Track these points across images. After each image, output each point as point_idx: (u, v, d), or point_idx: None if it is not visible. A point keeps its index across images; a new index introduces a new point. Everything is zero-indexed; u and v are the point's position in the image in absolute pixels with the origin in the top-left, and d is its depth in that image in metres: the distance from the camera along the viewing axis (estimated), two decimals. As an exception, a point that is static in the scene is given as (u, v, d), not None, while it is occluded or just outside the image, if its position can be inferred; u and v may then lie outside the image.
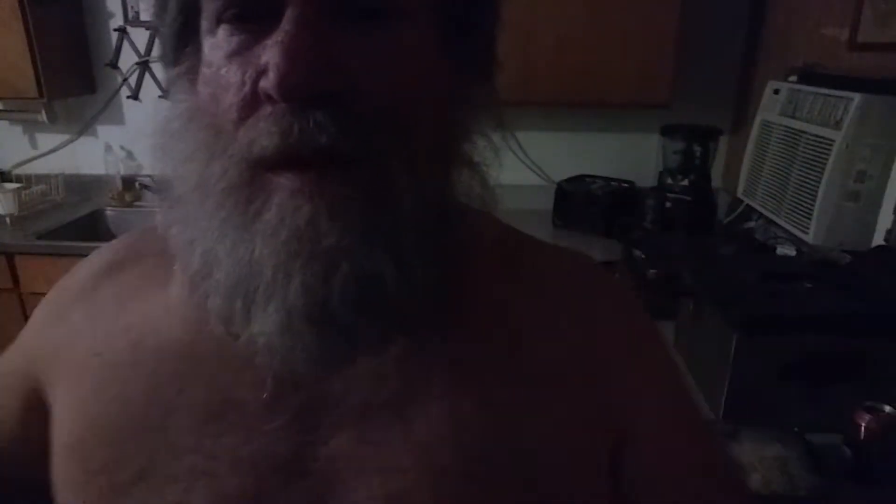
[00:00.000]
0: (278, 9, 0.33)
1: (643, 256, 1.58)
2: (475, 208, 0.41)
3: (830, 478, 0.91)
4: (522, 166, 2.54)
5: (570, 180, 2.39)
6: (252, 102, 0.34)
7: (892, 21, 1.43)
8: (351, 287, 0.34)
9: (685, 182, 2.08)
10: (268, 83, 0.32)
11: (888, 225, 1.39)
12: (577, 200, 2.29)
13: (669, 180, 2.11)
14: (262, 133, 0.33)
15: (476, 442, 0.39)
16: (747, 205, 1.93)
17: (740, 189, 1.91)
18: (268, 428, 0.38)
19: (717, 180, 2.37)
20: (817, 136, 1.48)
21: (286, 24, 0.32)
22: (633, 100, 2.10)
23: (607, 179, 2.41)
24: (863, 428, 0.93)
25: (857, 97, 1.38)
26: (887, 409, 0.94)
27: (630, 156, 2.49)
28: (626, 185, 2.38)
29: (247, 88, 0.34)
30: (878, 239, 1.42)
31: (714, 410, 1.11)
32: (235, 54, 0.34)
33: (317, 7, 0.32)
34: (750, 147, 1.84)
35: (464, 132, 0.39)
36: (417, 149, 0.35)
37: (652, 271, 1.50)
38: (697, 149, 2.10)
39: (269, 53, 0.32)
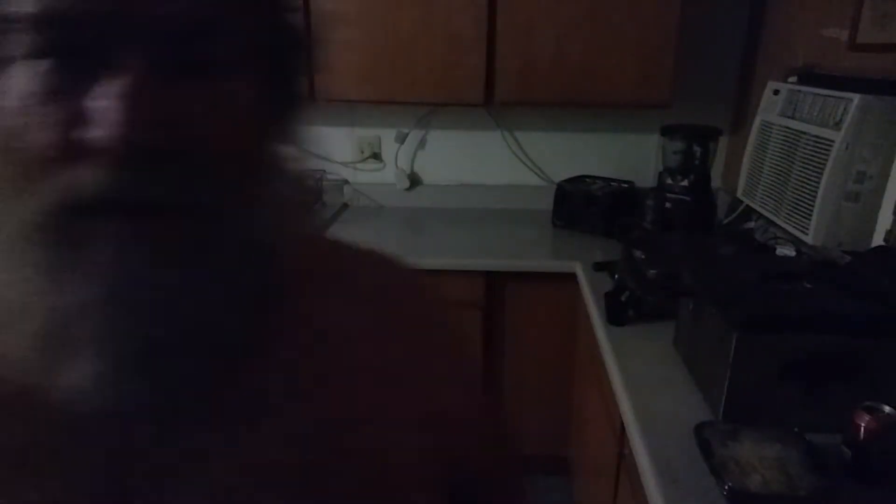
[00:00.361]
0: (109, 55, 0.33)
1: (643, 256, 1.58)
2: (293, 227, 0.44)
3: (830, 478, 0.91)
4: (522, 166, 2.54)
5: (569, 180, 2.39)
6: (73, 145, 0.33)
7: (892, 21, 1.44)
8: (177, 332, 0.35)
9: (685, 182, 2.08)
10: (101, 133, 0.32)
11: (888, 225, 1.39)
12: (576, 201, 2.29)
13: (669, 180, 2.11)
14: (86, 179, 0.33)
15: (306, 445, 0.41)
16: (747, 205, 1.94)
17: (740, 189, 1.91)
18: (78, 466, 0.37)
19: (716, 180, 2.37)
20: (817, 136, 1.49)
21: (123, 76, 0.32)
22: (633, 100, 2.10)
23: (607, 180, 2.41)
24: (862, 428, 0.93)
25: (856, 98, 1.38)
26: (887, 409, 0.94)
27: (630, 156, 2.50)
28: (625, 185, 2.38)
29: (69, 131, 0.33)
30: (878, 239, 1.42)
31: (714, 410, 1.12)
32: (53, 93, 0.33)
33: (152, 60, 0.33)
34: (750, 147, 1.84)
35: (282, 165, 0.41)
36: (241, 194, 0.37)
37: (652, 271, 1.50)
38: (697, 149, 2.10)
39: (104, 103, 0.32)
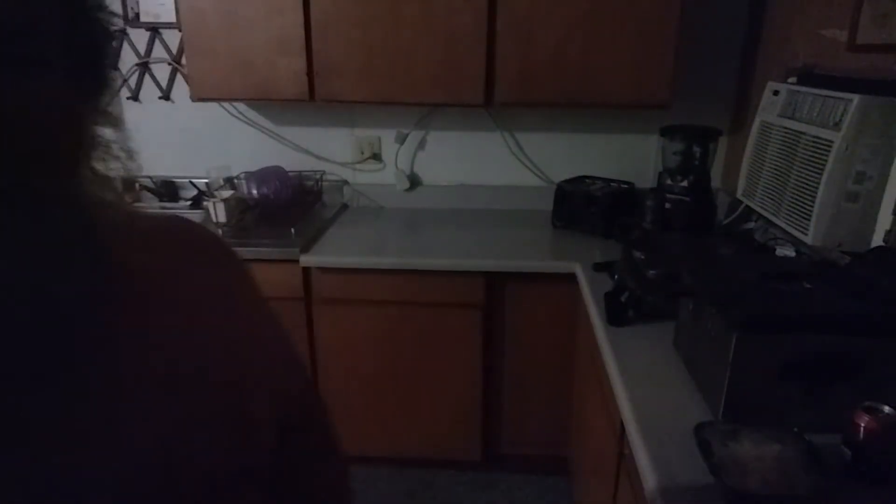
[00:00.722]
0: None
1: (643, 257, 1.58)
2: (108, 201, 0.48)
3: (830, 478, 0.92)
4: (522, 167, 2.54)
5: (569, 181, 2.40)
6: None
7: (891, 22, 1.44)
8: (24, 316, 0.37)
9: (685, 183, 2.08)
10: None
11: (887, 226, 1.40)
12: (576, 201, 2.29)
13: (669, 181, 2.11)
14: None
15: (169, 385, 0.46)
16: (747, 205, 1.94)
17: (740, 190, 1.91)
18: None
19: (716, 181, 2.37)
20: (816, 137, 1.49)
21: None
22: (633, 100, 2.10)
23: (607, 180, 2.42)
24: (862, 428, 0.93)
25: (856, 98, 1.38)
26: (887, 409, 0.94)
27: (629, 156, 2.50)
28: (625, 185, 2.38)
29: None
30: (878, 240, 1.42)
31: (714, 410, 1.12)
32: None
33: None
34: (749, 148, 1.85)
35: (94, 144, 0.44)
36: (62, 174, 0.40)
37: (652, 271, 1.50)
38: (697, 149, 2.10)
39: None
